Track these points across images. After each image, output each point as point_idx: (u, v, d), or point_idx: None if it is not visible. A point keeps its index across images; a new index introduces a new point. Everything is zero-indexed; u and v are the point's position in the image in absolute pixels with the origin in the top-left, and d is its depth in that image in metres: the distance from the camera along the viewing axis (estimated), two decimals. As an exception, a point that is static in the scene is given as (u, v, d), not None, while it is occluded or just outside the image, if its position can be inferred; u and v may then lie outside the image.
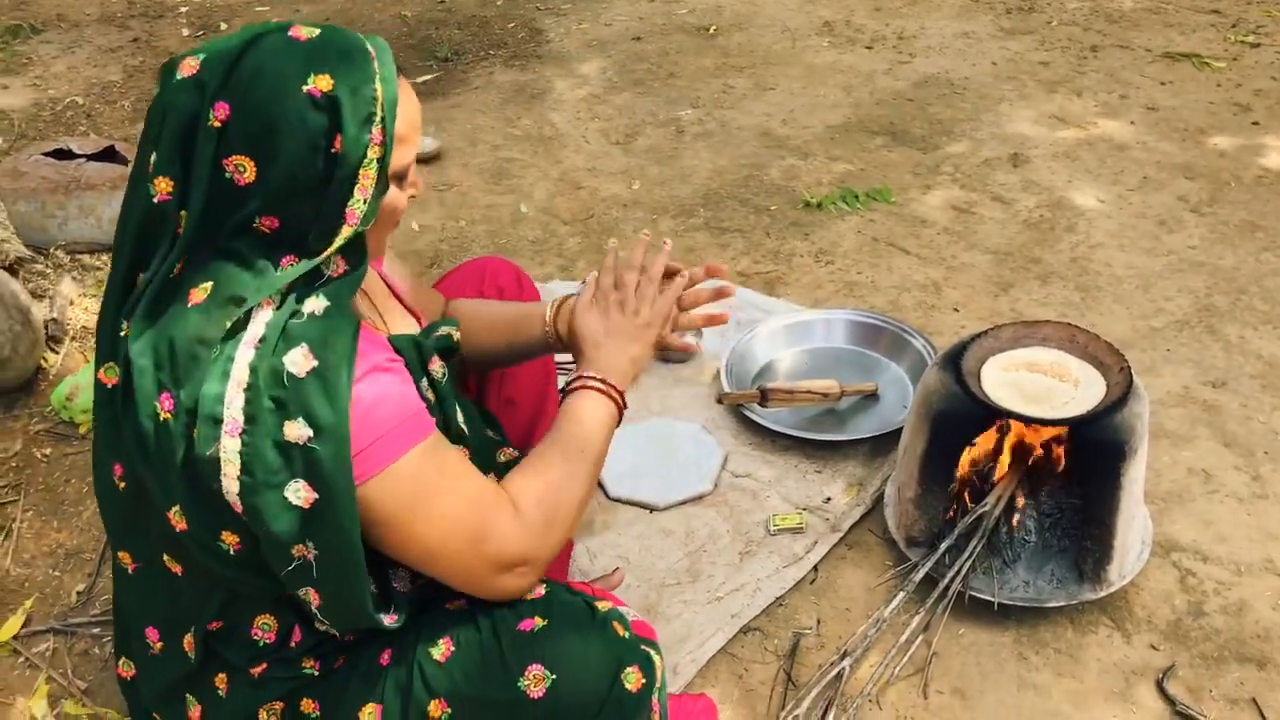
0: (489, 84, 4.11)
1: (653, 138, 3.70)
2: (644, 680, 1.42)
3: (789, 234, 3.13)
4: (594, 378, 1.54)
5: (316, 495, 1.26)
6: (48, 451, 2.48)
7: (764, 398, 2.42)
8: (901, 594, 1.91)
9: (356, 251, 1.35)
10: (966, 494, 2.01)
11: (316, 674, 1.44)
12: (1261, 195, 3.20)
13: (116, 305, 1.34)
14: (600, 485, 2.33)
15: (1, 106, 4.05)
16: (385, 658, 1.43)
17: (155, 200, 1.29)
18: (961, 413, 1.94)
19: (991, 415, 1.92)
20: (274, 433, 1.24)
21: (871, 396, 2.49)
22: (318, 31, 1.31)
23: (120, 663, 1.54)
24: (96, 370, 1.36)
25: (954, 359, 2.03)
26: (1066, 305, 2.79)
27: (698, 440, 2.41)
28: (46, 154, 3.26)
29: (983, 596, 1.95)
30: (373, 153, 1.30)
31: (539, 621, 1.41)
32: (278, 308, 1.28)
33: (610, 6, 4.72)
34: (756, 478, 2.33)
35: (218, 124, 1.26)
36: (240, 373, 1.25)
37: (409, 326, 1.59)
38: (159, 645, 1.45)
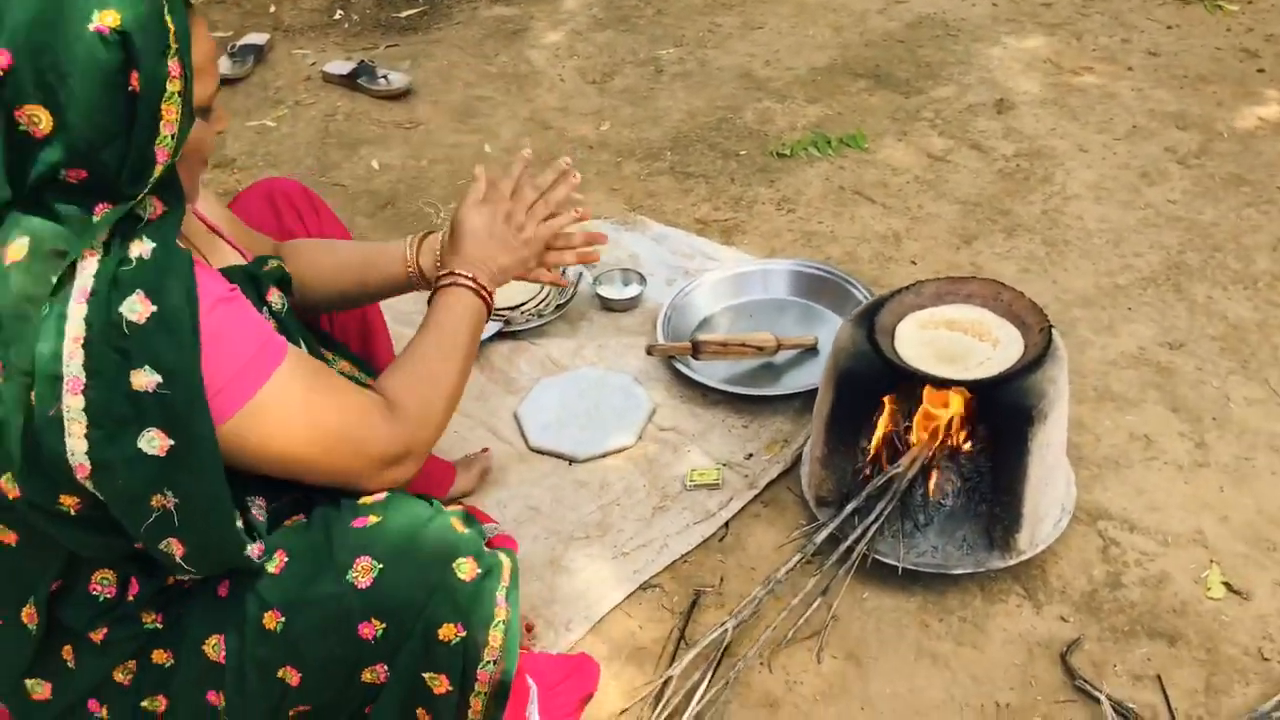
0: (471, 19, 4.02)
1: (630, 78, 3.60)
2: (479, 572, 1.40)
3: (754, 180, 3.04)
4: (466, 275, 1.57)
5: (173, 442, 1.23)
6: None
7: (696, 350, 2.36)
8: (798, 555, 1.86)
9: (172, 190, 1.32)
10: (883, 456, 1.94)
11: (161, 626, 1.42)
12: (1254, 148, 3.05)
13: None
14: (521, 434, 2.29)
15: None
16: (223, 589, 1.41)
17: None
18: (867, 371, 1.87)
19: (897, 374, 1.84)
20: (120, 384, 1.21)
21: (811, 350, 2.41)
22: None
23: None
24: None
25: (869, 315, 1.95)
26: (1030, 260, 2.69)
27: (627, 392, 2.36)
28: None
29: (886, 560, 1.89)
30: (173, 85, 1.25)
31: (373, 519, 1.41)
32: (103, 256, 1.23)
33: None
34: (681, 431, 2.27)
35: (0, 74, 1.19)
36: (75, 328, 1.20)
37: (225, 252, 1.55)
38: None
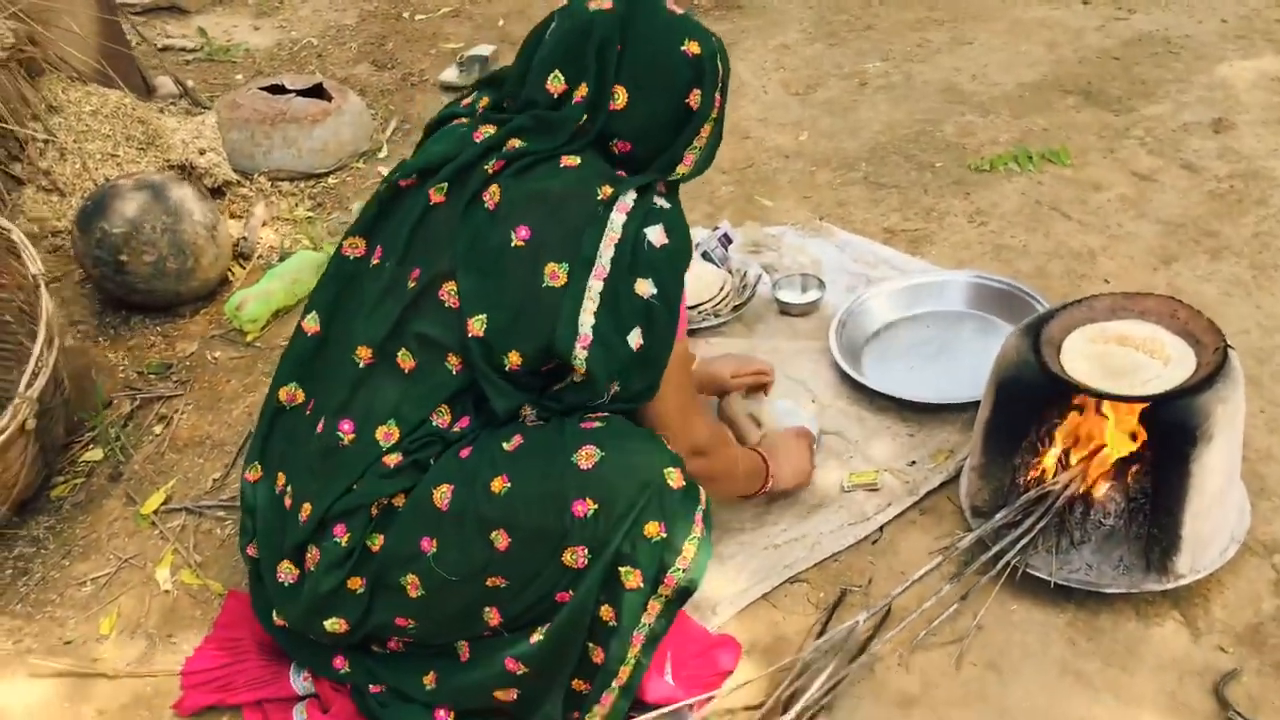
0: (685, 33, 4.15)
1: (833, 90, 3.64)
2: (685, 484, 1.62)
3: (948, 192, 3.03)
4: (770, 464, 2.04)
5: (644, 343, 1.60)
6: (217, 355, 2.77)
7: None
8: (939, 558, 1.86)
9: (676, 184, 1.74)
10: (1044, 468, 1.92)
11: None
12: None
13: (479, 151, 1.66)
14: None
15: (251, 45, 4.46)
16: (465, 451, 1.64)
17: (552, 92, 1.65)
18: (1028, 380, 1.86)
19: (1058, 386, 1.82)
20: (629, 283, 1.58)
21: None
22: (680, 10, 1.70)
23: (249, 468, 1.80)
24: (429, 188, 1.68)
25: (1037, 326, 1.94)
26: (1233, 283, 2.57)
27: (793, 415, 2.37)
28: (263, 88, 3.58)
29: (1038, 574, 1.87)
30: (713, 112, 1.70)
31: (598, 424, 1.64)
32: (638, 194, 1.62)
33: (826, -44, 4.64)
34: (846, 436, 2.30)
35: (618, 53, 1.62)
36: (614, 230, 1.58)
37: None
38: (349, 435, 1.67)
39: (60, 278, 3.02)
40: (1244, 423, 1.86)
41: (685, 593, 1.62)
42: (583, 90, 1.64)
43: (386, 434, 1.67)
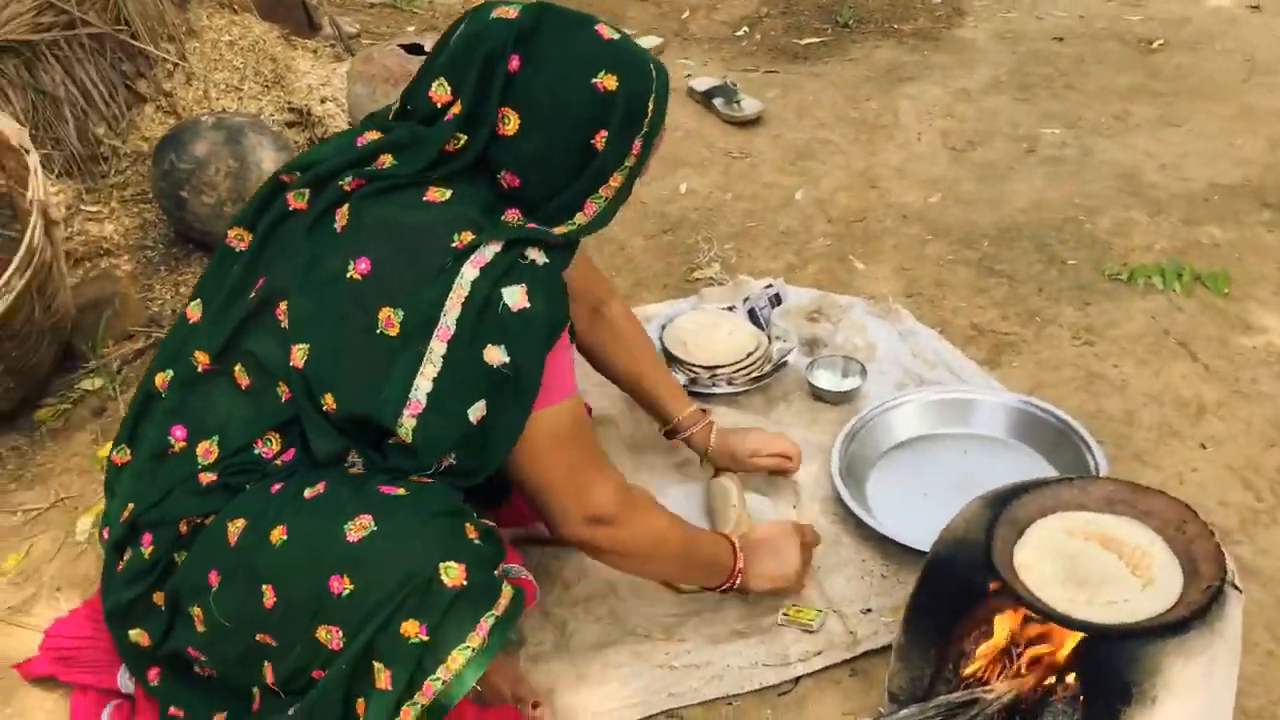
0: (865, 58, 3.80)
1: (995, 151, 3.22)
2: (464, 584, 1.36)
3: (1066, 297, 2.60)
4: (740, 557, 1.79)
5: (486, 415, 1.41)
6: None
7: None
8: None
9: (572, 242, 1.51)
10: (978, 668, 1.57)
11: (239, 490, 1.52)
12: None
13: (348, 160, 1.49)
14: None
15: (438, 0, 4.43)
16: (275, 488, 1.48)
17: (435, 102, 1.45)
18: (963, 561, 1.51)
19: (992, 577, 1.47)
20: (476, 349, 1.39)
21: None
22: (618, 36, 1.48)
23: (117, 450, 1.63)
24: (289, 191, 1.52)
25: (1006, 497, 1.58)
26: (1363, 487, 2.06)
27: (775, 493, 2.09)
28: (403, 45, 3.52)
29: (932, 795, 1.52)
30: (628, 161, 1.48)
31: (400, 491, 1.44)
32: (505, 245, 1.42)
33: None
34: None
35: (508, 71, 1.41)
36: (463, 286, 1.38)
37: None
38: (179, 443, 1.54)
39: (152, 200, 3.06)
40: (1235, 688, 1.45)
41: (443, 707, 1.38)
42: (457, 107, 1.44)
43: (206, 450, 1.53)
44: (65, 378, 2.52)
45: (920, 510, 2.02)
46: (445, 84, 1.45)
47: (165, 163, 2.78)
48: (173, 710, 1.64)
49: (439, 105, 1.46)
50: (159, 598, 1.56)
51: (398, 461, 1.47)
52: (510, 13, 1.44)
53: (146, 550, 1.54)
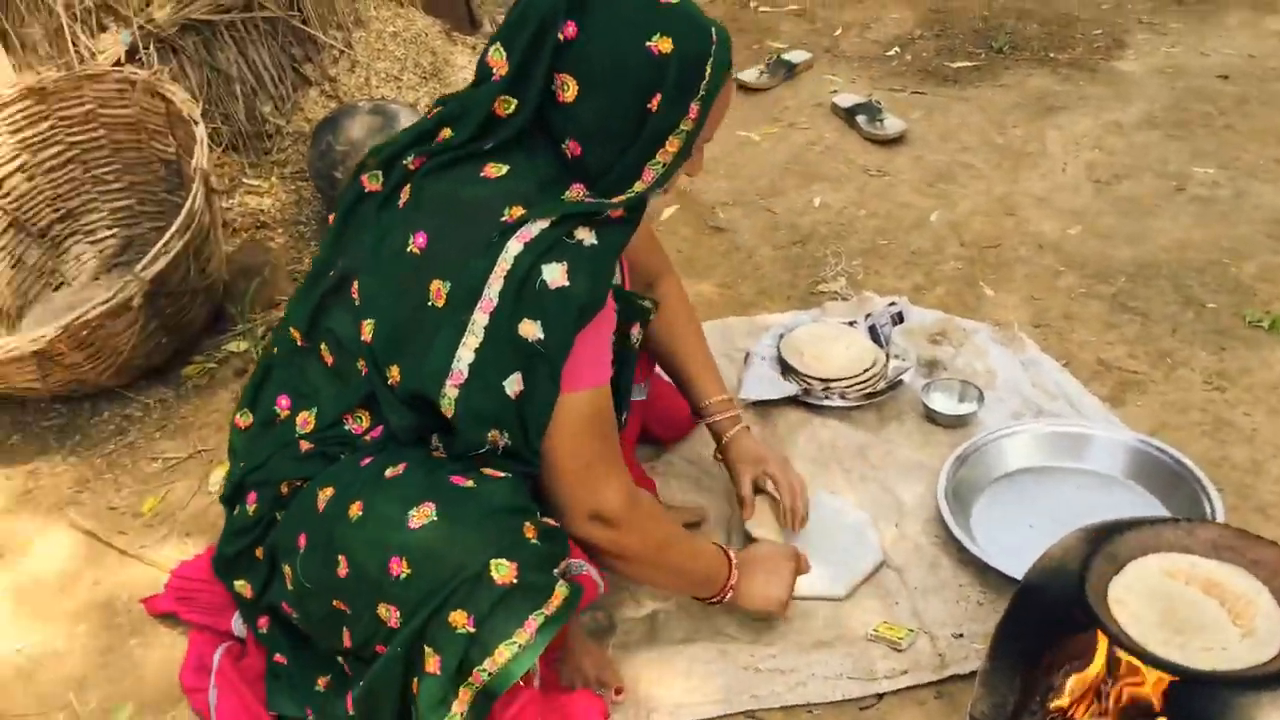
0: (1017, 85, 3.74)
1: (1142, 187, 3.13)
2: (514, 582, 1.40)
3: (1200, 341, 2.52)
4: (734, 574, 1.78)
5: (523, 389, 1.43)
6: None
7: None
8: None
9: (637, 207, 1.49)
10: (1065, 703, 1.55)
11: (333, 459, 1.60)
12: None
13: (412, 138, 1.53)
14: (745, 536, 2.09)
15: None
16: (365, 461, 1.54)
17: (492, 72, 1.46)
18: (1055, 592, 1.50)
19: (1083, 612, 1.45)
20: (515, 322, 1.41)
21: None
22: (676, 0, 1.44)
23: (240, 413, 1.73)
24: (364, 173, 1.58)
25: (1109, 531, 1.55)
26: None
27: (860, 535, 2.04)
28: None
29: (999, 825, 1.52)
30: (685, 125, 1.45)
31: (469, 483, 1.47)
32: (554, 221, 1.43)
33: (1227, 35, 4.00)
34: (906, 578, 1.97)
35: (563, 38, 1.41)
36: (507, 261, 1.41)
37: (617, 273, 1.68)
38: (284, 411, 1.64)
39: (308, 178, 3.22)
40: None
41: (490, 693, 1.43)
42: (503, 68, 1.44)
43: (305, 420, 1.62)
44: (214, 338, 2.68)
45: (1024, 541, 1.98)
46: (501, 49, 1.45)
47: (322, 143, 2.92)
48: (277, 658, 1.73)
49: (493, 70, 1.46)
50: (259, 553, 1.65)
51: (458, 444, 1.51)
52: None
53: (251, 508, 1.65)
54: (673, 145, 1.46)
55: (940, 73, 3.88)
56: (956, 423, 2.30)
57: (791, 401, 2.35)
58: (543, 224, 1.42)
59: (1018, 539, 2.00)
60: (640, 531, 1.61)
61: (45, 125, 2.73)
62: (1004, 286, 2.74)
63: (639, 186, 1.47)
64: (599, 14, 1.41)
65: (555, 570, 1.48)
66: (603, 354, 1.52)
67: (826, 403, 2.32)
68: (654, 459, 2.26)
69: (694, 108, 1.45)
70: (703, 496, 2.17)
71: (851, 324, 2.50)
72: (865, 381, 2.32)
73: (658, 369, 2.06)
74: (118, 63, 2.94)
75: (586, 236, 1.43)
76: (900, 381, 2.35)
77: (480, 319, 1.41)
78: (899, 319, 2.49)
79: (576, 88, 1.42)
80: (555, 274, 1.40)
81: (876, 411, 2.35)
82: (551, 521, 1.52)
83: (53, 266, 2.85)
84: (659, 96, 1.42)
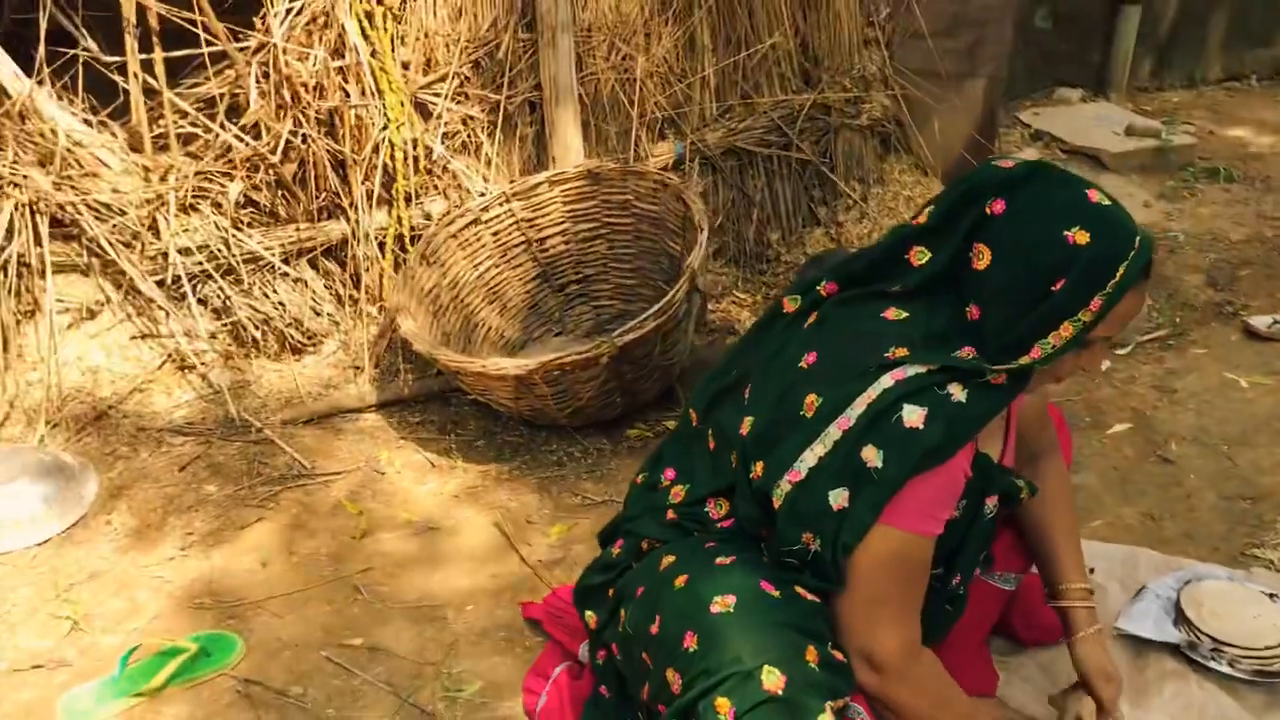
0: None
1: None
2: (780, 693, 1.48)
3: None
4: None
5: (846, 505, 1.54)
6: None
7: None
8: None
9: (1021, 378, 1.60)
10: None
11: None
12: None
13: (830, 269, 1.73)
14: None
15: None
16: (710, 544, 1.70)
17: (914, 223, 1.63)
18: None
19: None
20: (859, 445, 1.53)
21: None
22: (1109, 203, 1.54)
23: (641, 474, 1.97)
24: (786, 296, 1.77)
25: None
26: None
27: None
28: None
29: None
30: (1084, 315, 1.52)
31: (775, 593, 1.59)
32: (931, 369, 1.55)
33: None
34: None
35: (989, 212, 1.57)
36: (876, 391, 1.53)
37: (996, 445, 1.76)
38: (667, 481, 1.87)
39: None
40: None
41: None
42: (925, 219, 1.60)
43: (677, 493, 1.82)
44: (659, 412, 3.02)
45: None
46: (934, 210, 1.62)
47: (807, 275, 3.18)
48: (603, 689, 1.94)
49: (915, 225, 1.63)
50: (610, 591, 1.86)
51: (773, 548, 1.63)
52: (1008, 164, 1.57)
53: (616, 551, 1.88)
54: (1066, 330, 1.52)
55: None
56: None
57: (1171, 649, 2.21)
58: (920, 369, 1.53)
59: None
60: (914, 687, 1.62)
61: (591, 203, 3.25)
62: None
63: (1024, 359, 1.54)
64: (1030, 199, 1.53)
65: (827, 701, 1.53)
66: (935, 507, 1.57)
67: (1212, 664, 2.17)
68: (1007, 654, 2.24)
69: (1097, 301, 1.51)
70: (1041, 708, 2.11)
71: (1272, 596, 2.31)
72: (1263, 657, 2.14)
73: (1034, 568, 2.05)
74: (665, 167, 3.43)
75: (957, 392, 1.52)
76: (1301, 665, 2.14)
77: (834, 433, 1.54)
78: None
79: (990, 258, 1.54)
80: (913, 416, 1.50)
81: (1266, 694, 2.15)
82: (840, 656, 1.58)
83: (559, 316, 3.36)
84: (1064, 281, 1.49)
